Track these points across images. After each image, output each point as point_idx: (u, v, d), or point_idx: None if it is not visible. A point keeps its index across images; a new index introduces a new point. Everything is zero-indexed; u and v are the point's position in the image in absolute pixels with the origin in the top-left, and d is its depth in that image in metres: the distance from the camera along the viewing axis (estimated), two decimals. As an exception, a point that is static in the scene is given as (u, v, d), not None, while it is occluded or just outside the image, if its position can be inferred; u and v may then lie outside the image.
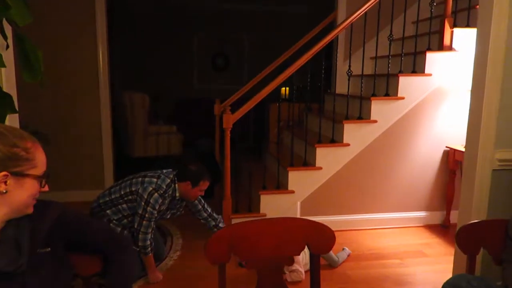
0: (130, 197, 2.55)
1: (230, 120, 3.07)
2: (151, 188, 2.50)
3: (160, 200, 2.52)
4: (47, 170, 1.11)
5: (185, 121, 6.31)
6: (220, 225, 2.90)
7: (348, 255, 2.98)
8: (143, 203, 2.48)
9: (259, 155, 4.53)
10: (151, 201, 2.48)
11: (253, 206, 3.37)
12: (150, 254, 2.56)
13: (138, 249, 2.50)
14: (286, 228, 1.40)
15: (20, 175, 1.04)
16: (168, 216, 2.75)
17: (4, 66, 1.41)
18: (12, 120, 1.64)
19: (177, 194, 2.61)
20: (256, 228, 1.38)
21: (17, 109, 1.57)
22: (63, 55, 3.86)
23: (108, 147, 4.03)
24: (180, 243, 3.17)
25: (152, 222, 2.52)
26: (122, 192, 2.57)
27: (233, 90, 4.31)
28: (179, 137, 5.13)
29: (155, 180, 2.54)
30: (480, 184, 2.26)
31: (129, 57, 6.83)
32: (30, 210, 1.09)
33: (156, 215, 2.53)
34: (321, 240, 1.40)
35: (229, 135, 3.13)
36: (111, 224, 2.57)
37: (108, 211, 2.60)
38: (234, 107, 3.30)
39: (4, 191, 1.02)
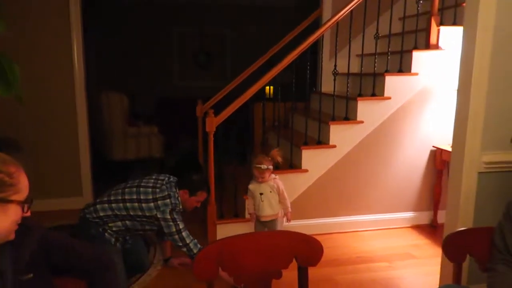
0: (144, 219, 2.50)
1: (213, 123, 2.96)
2: (169, 210, 2.47)
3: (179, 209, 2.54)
4: (30, 195, 1.08)
5: (166, 122, 6.10)
6: None
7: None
8: (171, 223, 2.46)
9: (243, 157, 4.41)
10: (175, 217, 2.48)
11: (238, 211, 3.27)
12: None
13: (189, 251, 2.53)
14: (274, 242, 1.40)
15: (3, 201, 1.01)
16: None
17: None
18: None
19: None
20: (244, 243, 1.38)
21: None
22: (35, 58, 3.62)
23: (85, 152, 3.84)
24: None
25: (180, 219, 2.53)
26: (126, 213, 2.46)
27: (216, 88, 4.16)
28: (160, 139, 4.97)
29: (168, 201, 2.47)
30: (467, 187, 2.23)
31: (106, 55, 6.57)
32: (12, 237, 1.06)
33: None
34: (309, 252, 1.39)
35: (213, 139, 3.01)
36: (106, 234, 2.46)
37: (106, 226, 2.49)
38: (217, 108, 3.19)
39: None
